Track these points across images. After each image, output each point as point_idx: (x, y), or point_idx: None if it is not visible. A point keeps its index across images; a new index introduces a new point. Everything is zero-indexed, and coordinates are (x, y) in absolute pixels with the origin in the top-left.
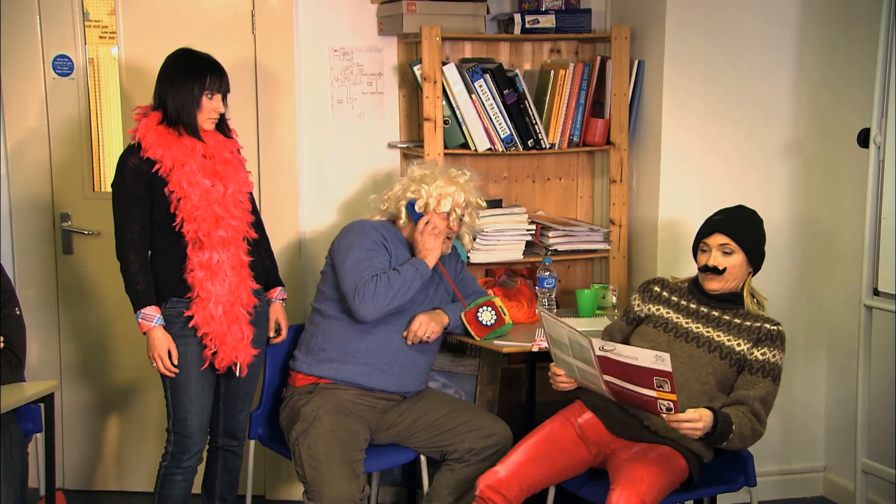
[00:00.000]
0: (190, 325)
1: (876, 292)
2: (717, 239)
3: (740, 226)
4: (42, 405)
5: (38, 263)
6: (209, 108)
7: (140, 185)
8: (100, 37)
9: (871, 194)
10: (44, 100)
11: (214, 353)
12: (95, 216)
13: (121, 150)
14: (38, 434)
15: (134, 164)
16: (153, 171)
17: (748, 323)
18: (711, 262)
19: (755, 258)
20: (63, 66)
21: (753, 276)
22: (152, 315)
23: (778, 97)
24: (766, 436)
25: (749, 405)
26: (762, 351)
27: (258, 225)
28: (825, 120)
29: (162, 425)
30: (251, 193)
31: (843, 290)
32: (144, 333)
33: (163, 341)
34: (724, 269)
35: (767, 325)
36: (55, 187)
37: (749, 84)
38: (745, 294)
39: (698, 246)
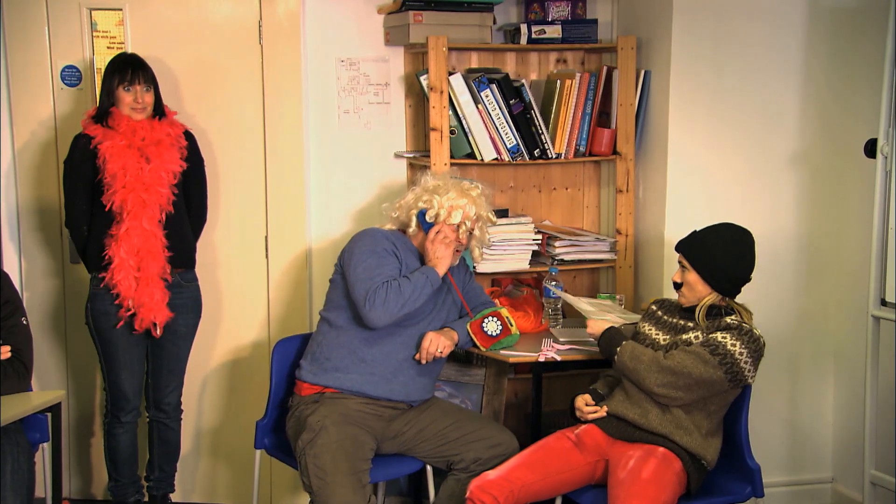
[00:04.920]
0: (101, 285)
1: (883, 302)
2: (679, 256)
3: (696, 246)
4: (49, 415)
5: (44, 273)
6: (128, 99)
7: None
8: (108, 47)
9: (878, 205)
10: (52, 110)
11: (132, 315)
12: None
13: None
14: (44, 444)
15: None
16: (91, 146)
17: (715, 323)
18: (673, 277)
19: (713, 281)
20: (71, 76)
21: (730, 298)
22: None
23: (784, 107)
24: (774, 447)
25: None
26: (714, 334)
27: (184, 203)
28: (832, 130)
29: None
30: (182, 174)
31: (850, 300)
32: None
33: None
34: (682, 284)
35: (728, 319)
36: (63, 197)
37: (755, 94)
38: (696, 311)
39: None
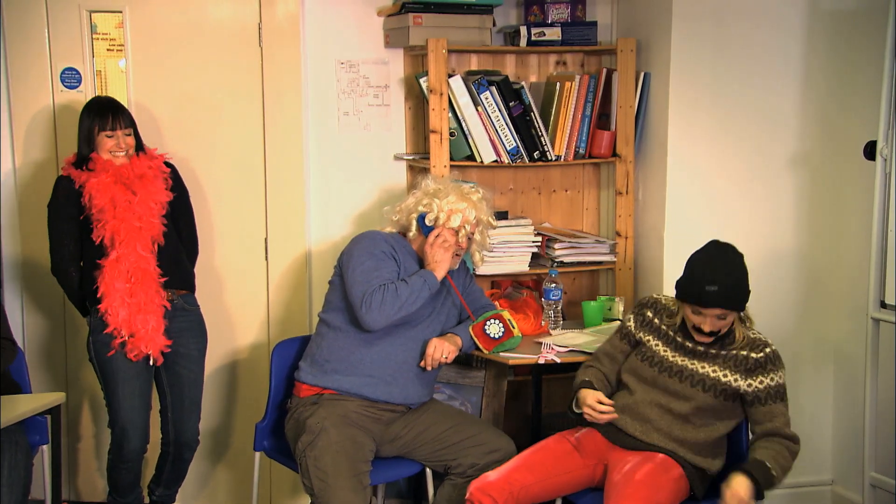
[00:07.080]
0: (98, 317)
1: (883, 305)
2: (714, 311)
3: (735, 297)
4: (49, 417)
5: (46, 276)
6: (110, 145)
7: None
8: (107, 49)
9: (877, 206)
10: (52, 112)
11: (123, 344)
12: None
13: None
14: (44, 446)
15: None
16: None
17: (734, 352)
18: (708, 328)
19: (741, 308)
20: (71, 78)
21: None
22: None
23: (784, 109)
24: None
25: (780, 434)
26: (759, 380)
27: (175, 232)
28: (831, 132)
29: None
30: (169, 205)
31: (849, 302)
32: None
33: None
34: (719, 331)
35: (753, 354)
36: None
37: (755, 96)
38: (735, 329)
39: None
